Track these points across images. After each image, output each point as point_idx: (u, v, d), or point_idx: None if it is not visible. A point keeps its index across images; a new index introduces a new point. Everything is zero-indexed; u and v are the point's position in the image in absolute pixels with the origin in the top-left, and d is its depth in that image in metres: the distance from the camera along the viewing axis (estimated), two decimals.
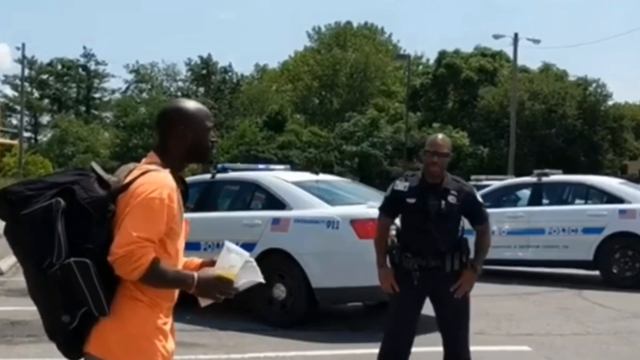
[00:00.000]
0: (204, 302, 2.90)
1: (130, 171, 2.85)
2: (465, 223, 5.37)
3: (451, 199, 5.20)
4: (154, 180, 2.75)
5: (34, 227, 2.65)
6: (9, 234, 2.75)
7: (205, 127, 2.96)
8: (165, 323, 2.84)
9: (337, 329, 8.37)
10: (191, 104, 3.01)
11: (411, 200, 5.22)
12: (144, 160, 2.94)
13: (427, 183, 5.27)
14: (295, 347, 7.54)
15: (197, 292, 2.80)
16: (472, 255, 5.31)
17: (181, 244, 2.92)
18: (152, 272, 2.68)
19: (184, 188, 2.97)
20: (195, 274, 2.79)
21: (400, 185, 5.34)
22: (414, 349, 5.37)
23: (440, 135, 5.50)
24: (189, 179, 9.11)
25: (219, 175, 9.95)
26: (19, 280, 11.49)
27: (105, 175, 2.79)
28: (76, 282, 2.63)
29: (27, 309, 8.62)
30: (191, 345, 7.33)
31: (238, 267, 2.84)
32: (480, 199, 5.43)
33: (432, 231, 5.15)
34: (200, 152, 2.98)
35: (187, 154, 2.95)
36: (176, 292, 2.92)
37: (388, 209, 5.44)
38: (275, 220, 8.69)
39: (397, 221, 5.52)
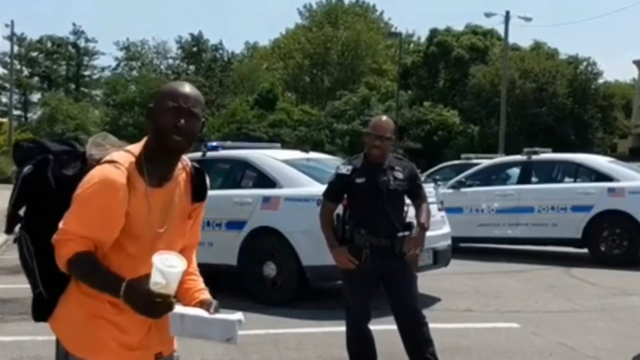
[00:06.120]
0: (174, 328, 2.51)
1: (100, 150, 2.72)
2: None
3: (398, 174, 5.32)
4: (95, 174, 2.52)
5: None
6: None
7: (164, 105, 2.55)
8: (117, 314, 2.58)
9: (327, 306, 8.41)
10: (168, 84, 2.73)
11: (360, 180, 5.28)
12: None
13: (371, 163, 5.35)
14: (285, 324, 7.61)
15: (128, 302, 2.45)
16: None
17: (154, 245, 2.57)
18: (73, 267, 2.51)
19: (195, 181, 2.72)
20: (126, 281, 2.45)
21: (344, 169, 5.42)
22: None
23: (384, 118, 5.58)
24: None
25: (210, 154, 9.95)
26: (10, 258, 11.48)
27: (94, 154, 2.64)
28: (21, 253, 2.69)
29: (19, 286, 8.65)
30: None
31: (173, 281, 2.41)
32: (420, 176, 5.51)
33: (385, 209, 5.23)
34: (159, 139, 2.56)
35: (151, 142, 2.60)
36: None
37: (332, 194, 5.50)
38: (266, 199, 8.70)
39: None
